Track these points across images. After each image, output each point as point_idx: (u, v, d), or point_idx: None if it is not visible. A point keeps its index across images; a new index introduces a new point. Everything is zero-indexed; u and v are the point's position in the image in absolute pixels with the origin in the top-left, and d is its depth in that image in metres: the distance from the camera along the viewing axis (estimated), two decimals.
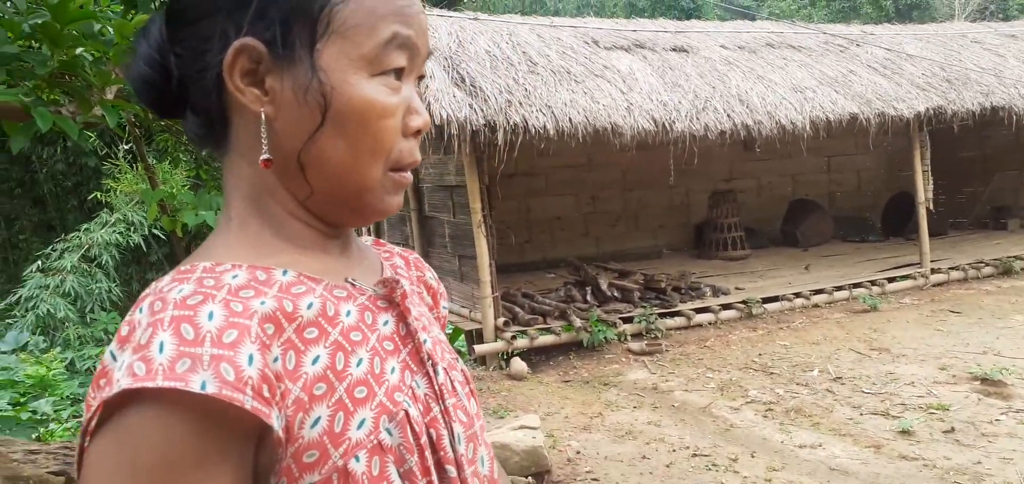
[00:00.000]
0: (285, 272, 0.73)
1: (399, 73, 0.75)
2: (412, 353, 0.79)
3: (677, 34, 9.36)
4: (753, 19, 18.09)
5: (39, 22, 2.63)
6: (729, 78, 8.50)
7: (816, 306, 8.24)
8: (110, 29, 3.04)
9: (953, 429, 4.76)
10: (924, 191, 8.87)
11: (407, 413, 0.74)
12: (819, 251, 10.83)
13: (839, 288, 8.50)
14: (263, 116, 0.72)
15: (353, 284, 0.78)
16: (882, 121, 8.51)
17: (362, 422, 0.70)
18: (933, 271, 8.98)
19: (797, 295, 8.29)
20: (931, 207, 8.96)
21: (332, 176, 0.74)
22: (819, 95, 8.56)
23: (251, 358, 0.63)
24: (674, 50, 8.91)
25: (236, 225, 0.76)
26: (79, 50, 2.87)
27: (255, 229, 0.76)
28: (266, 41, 0.71)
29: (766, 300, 8.14)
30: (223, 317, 0.64)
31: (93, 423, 0.62)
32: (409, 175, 0.79)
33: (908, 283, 8.83)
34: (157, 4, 3.36)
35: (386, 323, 0.78)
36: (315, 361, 0.69)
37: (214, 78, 0.73)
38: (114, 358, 0.63)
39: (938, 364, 6.11)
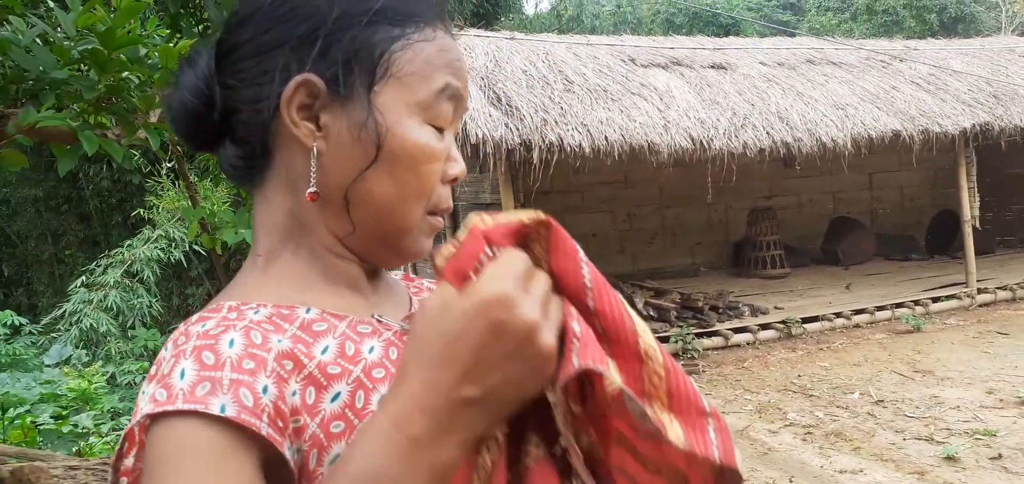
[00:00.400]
0: (309, 310, 0.74)
1: (444, 123, 0.77)
2: None
3: (715, 51, 9.30)
4: (793, 35, 17.92)
5: (88, 48, 2.69)
6: (768, 95, 8.42)
7: (857, 326, 8.09)
8: (156, 54, 3.11)
9: (1000, 456, 4.62)
10: (970, 208, 8.67)
11: None
12: (861, 270, 10.63)
13: (881, 308, 8.34)
14: (314, 150, 0.74)
15: (379, 320, 0.79)
16: (926, 138, 8.35)
17: None
18: (980, 291, 8.76)
19: (838, 315, 8.15)
20: (977, 224, 8.76)
21: (376, 214, 0.76)
22: (861, 112, 8.44)
23: (266, 389, 0.64)
24: (712, 67, 8.86)
25: (263, 262, 0.78)
26: (125, 74, 2.94)
27: (284, 264, 0.78)
28: (327, 79, 0.73)
29: (806, 320, 8.01)
30: (243, 346, 0.66)
31: (118, 453, 0.65)
32: (441, 221, 0.81)
33: (953, 303, 8.62)
34: (201, 29, 3.44)
35: None
36: (335, 398, 0.69)
37: (269, 110, 0.74)
38: (143, 393, 0.65)
39: (985, 387, 5.94)
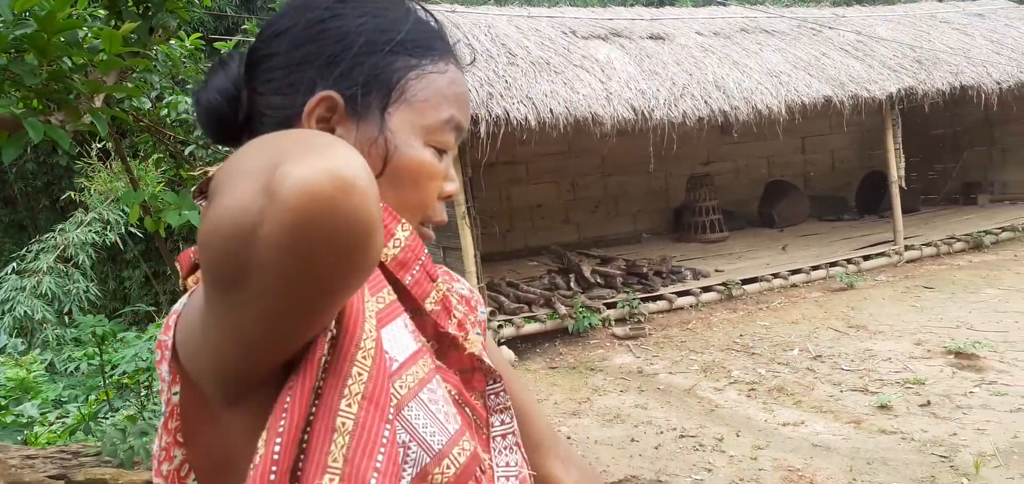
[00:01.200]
0: None
1: (445, 148, 0.86)
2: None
3: (653, 22, 9.43)
4: (725, 4, 18.20)
5: (27, 32, 2.63)
6: (705, 65, 8.60)
7: (794, 286, 8.39)
8: (93, 38, 3.05)
9: (929, 402, 4.91)
10: (896, 169, 9.04)
11: None
12: (796, 231, 11.01)
13: (816, 267, 8.66)
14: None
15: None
16: (855, 103, 8.66)
17: None
18: (907, 248, 9.16)
19: (775, 275, 8.44)
20: (903, 185, 9.14)
21: None
22: (794, 79, 8.69)
23: None
24: (651, 38, 8.99)
25: None
26: (65, 59, 2.88)
27: None
28: (346, 97, 0.81)
29: (745, 281, 8.27)
30: None
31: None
32: (432, 232, 0.90)
33: (883, 260, 9.01)
34: (141, 10, 3.37)
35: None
36: None
37: (294, 116, 0.82)
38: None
39: (914, 339, 6.27)
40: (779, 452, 4.40)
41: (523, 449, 0.92)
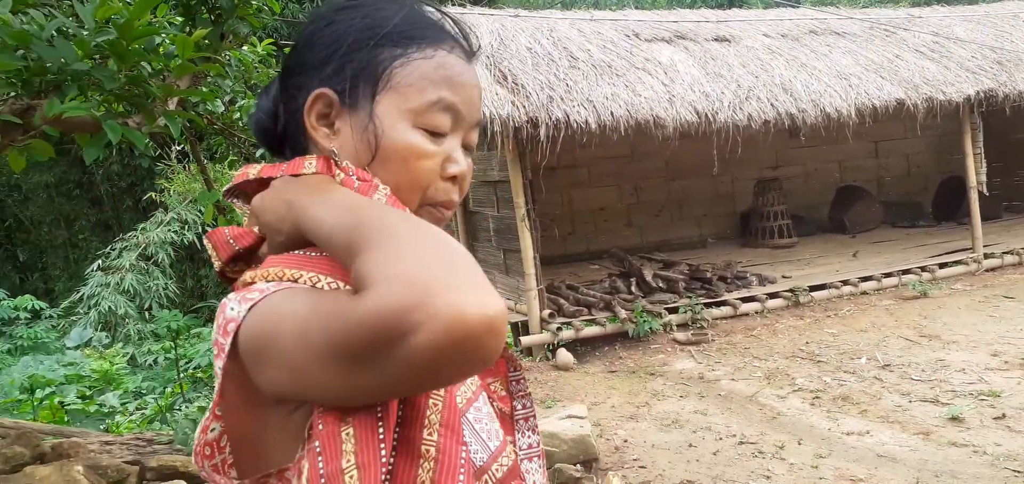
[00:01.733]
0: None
1: (440, 132, 0.89)
2: None
3: (719, 24, 9.32)
4: (797, 5, 17.81)
5: (107, 39, 2.77)
6: (772, 67, 8.45)
7: (864, 293, 8.17)
8: (170, 43, 3.20)
9: (1004, 415, 4.72)
10: (976, 174, 8.71)
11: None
12: (868, 237, 10.69)
13: (888, 275, 8.41)
14: (329, 150, 0.88)
15: None
16: (930, 106, 8.38)
17: None
18: (986, 256, 8.81)
19: (845, 282, 8.23)
20: (984, 190, 8.79)
21: None
22: (864, 81, 8.46)
23: None
24: (716, 40, 8.89)
25: None
26: (142, 64, 3.02)
27: None
28: (338, 92, 0.89)
29: (813, 288, 8.09)
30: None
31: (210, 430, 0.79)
32: (447, 212, 0.93)
33: (960, 269, 8.69)
34: (213, 17, 3.52)
35: None
36: None
37: (298, 118, 0.91)
38: (223, 320, 0.78)
39: (990, 350, 6.03)
40: (842, 461, 4.31)
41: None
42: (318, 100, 0.89)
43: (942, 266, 8.68)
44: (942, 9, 11.68)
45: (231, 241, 0.87)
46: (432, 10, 0.95)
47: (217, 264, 0.88)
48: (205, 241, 0.88)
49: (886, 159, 12.75)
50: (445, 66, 0.89)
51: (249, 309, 0.75)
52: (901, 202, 12.17)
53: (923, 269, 8.57)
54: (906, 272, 8.49)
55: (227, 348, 0.76)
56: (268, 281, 0.78)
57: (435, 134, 0.89)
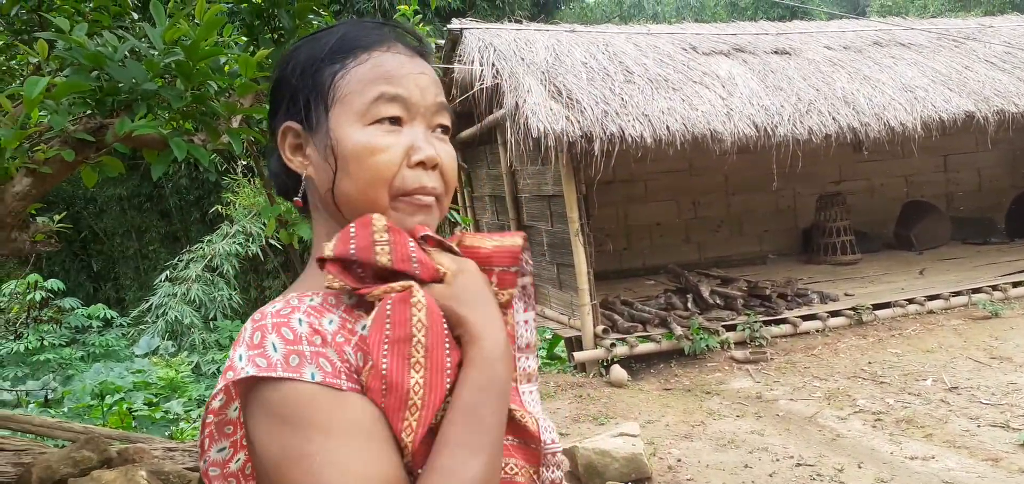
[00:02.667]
0: (322, 317, 0.90)
1: (395, 120, 0.94)
2: None
3: (779, 36, 9.18)
4: (863, 15, 17.41)
5: (175, 60, 2.89)
6: (834, 79, 8.28)
7: (931, 312, 7.90)
8: (234, 63, 3.31)
9: None
10: None
11: None
12: (935, 255, 10.35)
13: (957, 293, 8.12)
14: (304, 176, 0.98)
15: None
16: (1002, 119, 8.09)
17: None
18: None
19: (910, 301, 7.98)
20: None
21: (350, 207, 0.94)
22: (931, 93, 8.23)
23: (334, 360, 0.85)
24: (775, 53, 8.75)
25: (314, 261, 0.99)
26: (207, 83, 3.13)
27: None
28: (300, 120, 0.97)
29: (877, 307, 7.86)
30: (308, 325, 0.86)
31: (216, 401, 0.86)
32: (425, 197, 0.95)
33: None
34: (276, 37, 3.63)
35: None
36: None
37: (280, 156, 0.99)
38: (237, 356, 0.84)
39: None
40: None
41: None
42: (286, 133, 0.97)
43: (1015, 285, 8.33)
44: (1015, 18, 11.29)
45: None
46: (370, 22, 1.01)
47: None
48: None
49: (956, 174, 12.33)
50: (381, 64, 0.95)
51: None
52: (972, 218, 11.74)
53: (994, 288, 8.24)
54: (976, 291, 8.18)
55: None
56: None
57: (391, 127, 0.94)
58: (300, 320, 0.86)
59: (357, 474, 0.79)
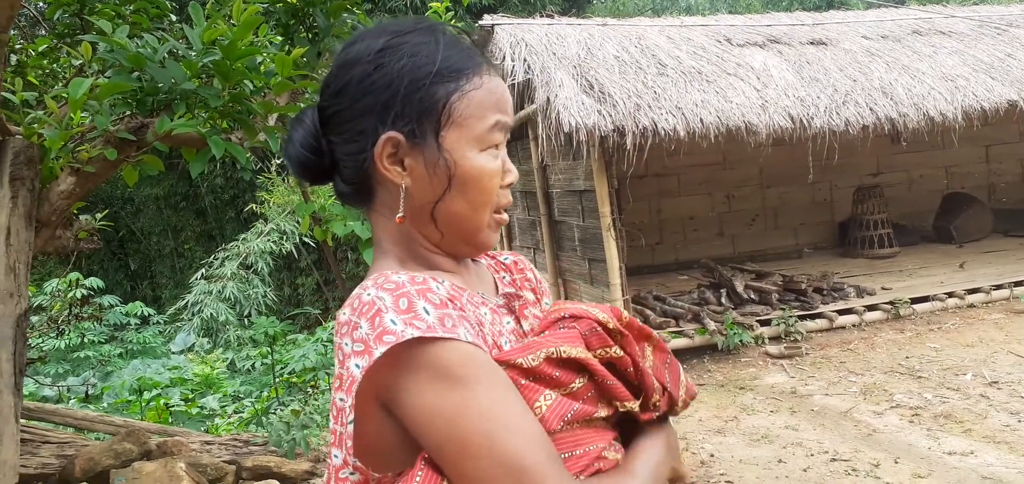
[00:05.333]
0: (444, 282, 0.96)
1: (498, 145, 1.02)
2: None
3: (815, 27, 9.06)
4: (903, 3, 17.07)
5: (213, 60, 2.93)
6: (871, 70, 8.15)
7: (971, 306, 7.75)
8: (271, 62, 3.35)
9: None
10: None
11: None
12: (977, 247, 10.13)
13: (998, 287, 7.95)
14: (403, 187, 0.99)
15: (482, 296, 1.05)
16: None
17: None
18: None
19: (950, 295, 7.82)
20: None
21: (456, 224, 1.01)
22: (972, 82, 8.05)
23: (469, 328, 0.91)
24: (812, 43, 8.64)
25: (393, 256, 1.03)
26: (244, 82, 3.17)
27: (409, 259, 1.03)
28: (405, 133, 0.98)
29: (915, 300, 7.73)
30: (446, 292, 0.92)
31: (373, 364, 0.85)
32: (506, 216, 1.06)
33: None
34: (311, 36, 3.67)
35: (508, 323, 1.05)
36: (487, 338, 0.95)
37: (367, 160, 0.99)
38: (370, 326, 0.86)
39: None
40: (942, 482, 4.10)
41: None
42: (388, 143, 0.98)
43: None
44: None
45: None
46: (461, 40, 1.04)
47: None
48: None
49: (998, 164, 12.05)
50: (493, 91, 1.01)
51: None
52: (1015, 210, 11.47)
53: None
54: (1018, 284, 7.99)
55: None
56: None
57: (496, 151, 1.00)
58: (438, 287, 0.91)
59: (526, 425, 0.85)
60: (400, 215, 0.99)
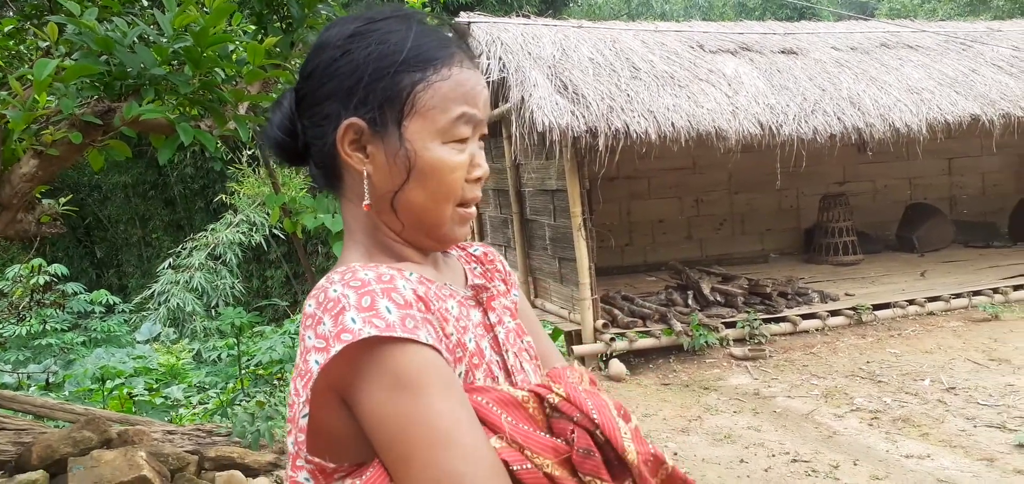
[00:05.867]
0: (411, 274, 0.96)
1: (464, 139, 0.99)
2: (493, 339, 1.03)
3: (786, 36, 9.19)
4: (872, 17, 17.39)
5: (183, 46, 2.91)
6: (840, 80, 8.29)
7: (931, 314, 7.92)
8: (242, 50, 3.33)
9: None
10: None
11: (498, 378, 0.99)
12: (938, 257, 10.35)
13: (957, 296, 8.13)
14: (365, 174, 0.99)
15: (450, 287, 1.03)
16: (1007, 122, 8.10)
17: (478, 379, 0.96)
18: None
19: (911, 302, 7.99)
20: None
21: (415, 215, 0.99)
22: (937, 96, 8.23)
23: (433, 329, 0.89)
24: (782, 52, 8.76)
25: (363, 246, 1.03)
26: (215, 69, 3.15)
27: (376, 248, 1.03)
28: (367, 120, 0.97)
29: (877, 307, 7.88)
30: (413, 292, 0.89)
31: (329, 362, 0.84)
32: (473, 210, 1.04)
33: None
34: (285, 25, 3.65)
35: (474, 316, 1.03)
36: (451, 335, 0.94)
37: (330, 144, 0.99)
38: (333, 323, 0.84)
39: None
40: None
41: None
42: (350, 129, 0.97)
43: (1016, 288, 8.35)
44: (1023, 22, 11.27)
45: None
46: (435, 25, 1.03)
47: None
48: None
49: (960, 177, 12.32)
50: (462, 83, 0.99)
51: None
52: (975, 222, 11.75)
53: (995, 291, 8.26)
54: (977, 293, 8.19)
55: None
56: None
57: (462, 145, 0.99)
58: (404, 286, 0.88)
59: (472, 441, 0.83)
60: (366, 202, 0.99)
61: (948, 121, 7.99)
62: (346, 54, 0.98)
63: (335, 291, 0.87)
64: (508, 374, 1.02)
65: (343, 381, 0.85)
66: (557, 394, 0.91)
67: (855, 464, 4.51)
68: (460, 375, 0.93)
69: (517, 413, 0.90)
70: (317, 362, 0.84)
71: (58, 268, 8.95)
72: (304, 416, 0.88)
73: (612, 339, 7.04)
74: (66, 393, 6.80)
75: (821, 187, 11.02)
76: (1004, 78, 8.72)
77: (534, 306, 8.62)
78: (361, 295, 0.85)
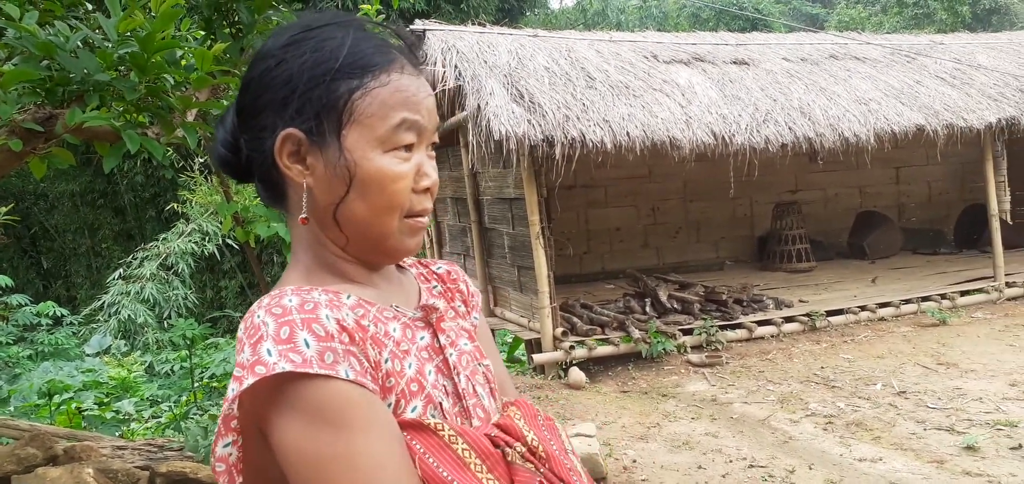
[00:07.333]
0: (349, 296, 0.92)
1: (408, 147, 0.95)
2: (443, 362, 0.99)
3: (738, 47, 9.33)
4: (821, 29, 17.77)
5: (129, 51, 2.84)
6: (791, 90, 8.44)
7: (882, 320, 8.09)
8: (191, 56, 3.26)
9: (1021, 446, 4.65)
10: (999, 203, 8.63)
11: (441, 405, 0.94)
12: (887, 264, 10.60)
13: (907, 301, 8.33)
14: (305, 186, 0.94)
15: (397, 308, 0.99)
16: (950, 133, 8.32)
17: (414, 408, 0.91)
18: (1008, 285, 8.71)
19: (862, 308, 8.15)
20: (1008, 219, 8.70)
21: (359, 228, 0.95)
22: (884, 107, 8.43)
23: (361, 360, 0.85)
24: (734, 63, 8.89)
25: (303, 265, 0.98)
26: (162, 76, 3.08)
27: (318, 266, 0.98)
28: (304, 130, 0.92)
29: (830, 313, 8.03)
30: (337, 323, 0.85)
31: (231, 396, 0.81)
32: (424, 220, 0.99)
33: (981, 297, 8.58)
34: (233, 31, 3.59)
35: (423, 338, 0.99)
36: (385, 362, 0.89)
37: (269, 157, 0.94)
38: (264, 352, 0.80)
39: (1009, 380, 5.95)
40: None
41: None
42: (287, 140, 0.93)
43: (963, 294, 8.58)
44: (965, 36, 11.63)
45: None
46: (376, 30, 0.99)
47: None
48: None
49: (907, 186, 12.66)
50: (401, 88, 0.94)
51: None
52: (922, 229, 12.06)
53: (943, 297, 8.48)
54: (925, 299, 8.40)
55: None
56: None
57: (406, 153, 0.94)
58: (327, 317, 0.84)
59: (397, 474, 0.81)
60: (303, 216, 0.95)
61: (895, 131, 8.18)
62: (281, 63, 0.94)
63: (259, 317, 0.83)
64: (459, 398, 0.98)
65: (257, 414, 0.82)
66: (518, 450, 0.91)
67: (810, 468, 4.57)
68: (389, 405, 0.89)
69: (449, 461, 0.87)
70: (233, 390, 0.81)
71: (2, 279, 8.67)
72: (216, 440, 0.86)
73: (572, 347, 7.05)
74: (11, 409, 6.58)
75: (774, 195, 11.22)
76: (947, 89, 8.96)
77: (494, 314, 8.60)
78: (280, 325, 0.82)
